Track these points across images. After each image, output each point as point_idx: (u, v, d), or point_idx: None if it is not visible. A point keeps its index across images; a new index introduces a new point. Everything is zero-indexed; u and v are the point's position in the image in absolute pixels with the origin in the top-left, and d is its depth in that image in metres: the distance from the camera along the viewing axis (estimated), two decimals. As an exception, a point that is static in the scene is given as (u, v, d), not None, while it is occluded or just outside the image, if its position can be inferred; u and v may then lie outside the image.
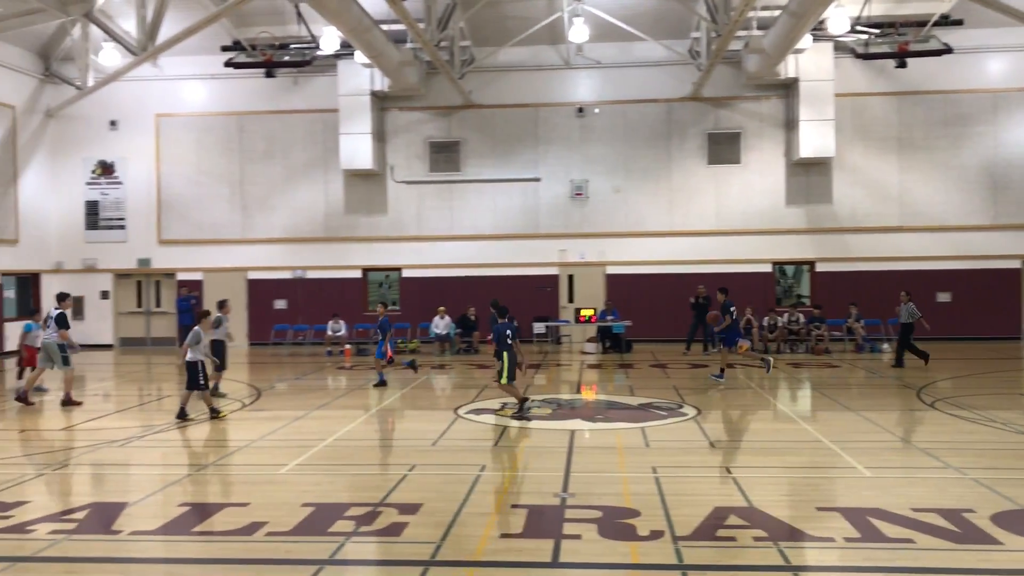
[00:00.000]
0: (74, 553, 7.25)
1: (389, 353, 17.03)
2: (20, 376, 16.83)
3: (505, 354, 13.39)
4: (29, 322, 16.98)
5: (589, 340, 23.80)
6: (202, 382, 13.28)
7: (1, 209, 24.70)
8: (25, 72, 25.64)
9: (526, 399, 13.70)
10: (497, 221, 26.08)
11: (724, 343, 17.10)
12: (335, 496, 9.08)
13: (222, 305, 16.19)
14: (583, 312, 23.56)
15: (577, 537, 7.41)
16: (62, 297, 15.55)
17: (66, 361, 15.01)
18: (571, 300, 26.00)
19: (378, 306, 17.96)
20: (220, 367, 15.45)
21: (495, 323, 13.92)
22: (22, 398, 15.03)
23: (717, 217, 25.60)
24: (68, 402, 14.90)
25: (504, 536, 7.47)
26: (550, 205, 26.00)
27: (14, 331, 23.25)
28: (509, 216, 26.07)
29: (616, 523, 7.81)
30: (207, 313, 14.10)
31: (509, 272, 25.94)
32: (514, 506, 8.38)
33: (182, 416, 13.29)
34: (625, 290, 25.40)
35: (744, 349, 16.94)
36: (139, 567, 6.99)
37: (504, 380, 13.42)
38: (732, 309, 17.02)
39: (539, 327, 24.21)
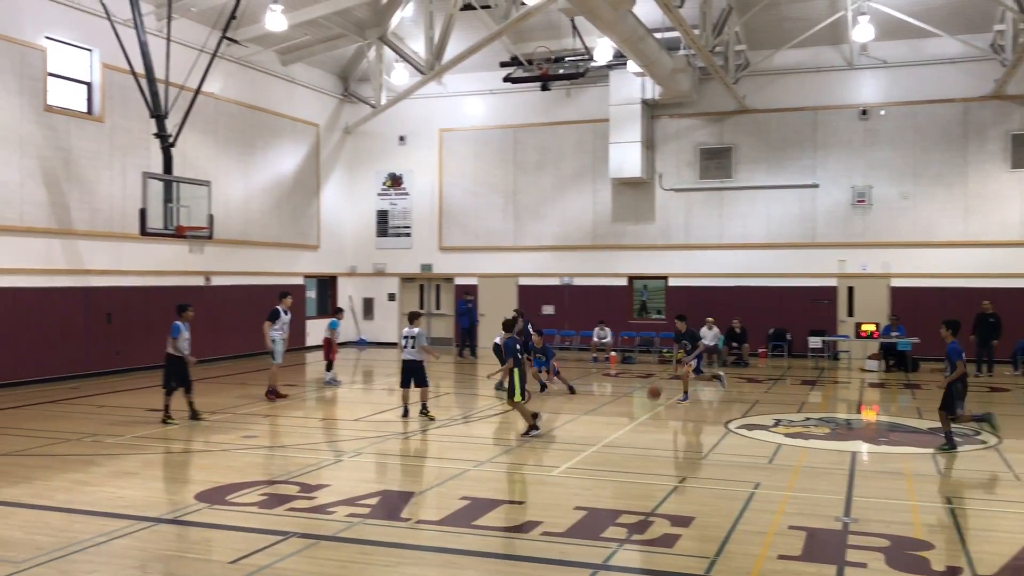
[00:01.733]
0: (368, 536, 7.82)
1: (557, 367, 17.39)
2: (329, 368, 18.50)
3: (516, 371, 12.58)
4: (333, 319, 18.70)
5: (870, 357, 22.30)
6: (425, 380, 14.21)
7: (306, 217, 27.33)
8: (327, 93, 28.23)
9: (536, 426, 12.59)
10: (770, 229, 25.20)
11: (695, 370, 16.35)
12: (606, 502, 9.15)
13: (518, 316, 17.47)
14: (864, 327, 22.12)
15: (862, 565, 6.96)
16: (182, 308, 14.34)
17: (273, 356, 16.32)
18: (851, 314, 24.55)
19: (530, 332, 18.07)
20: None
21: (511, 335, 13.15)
22: (273, 392, 16.37)
23: (1023, 226, 23.12)
24: (274, 394, 16.27)
25: (782, 557, 7.16)
26: (828, 213, 24.73)
27: (314, 328, 25.68)
28: (783, 224, 25.09)
29: (906, 554, 7.26)
30: (417, 315, 14.83)
31: (782, 283, 24.96)
32: (792, 527, 8.01)
33: (424, 411, 14.13)
34: (911, 304, 23.59)
35: (688, 370, 16.25)
36: (424, 554, 7.38)
37: (517, 398, 12.61)
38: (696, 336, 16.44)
39: (815, 342, 23.07)
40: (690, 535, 7.78)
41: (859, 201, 24.36)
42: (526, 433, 12.49)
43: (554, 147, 27.31)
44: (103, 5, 18.14)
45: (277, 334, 16.31)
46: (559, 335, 25.99)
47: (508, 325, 13.23)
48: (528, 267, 27.56)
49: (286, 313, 16.59)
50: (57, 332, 18.79)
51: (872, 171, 24.36)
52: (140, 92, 18.54)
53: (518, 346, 12.82)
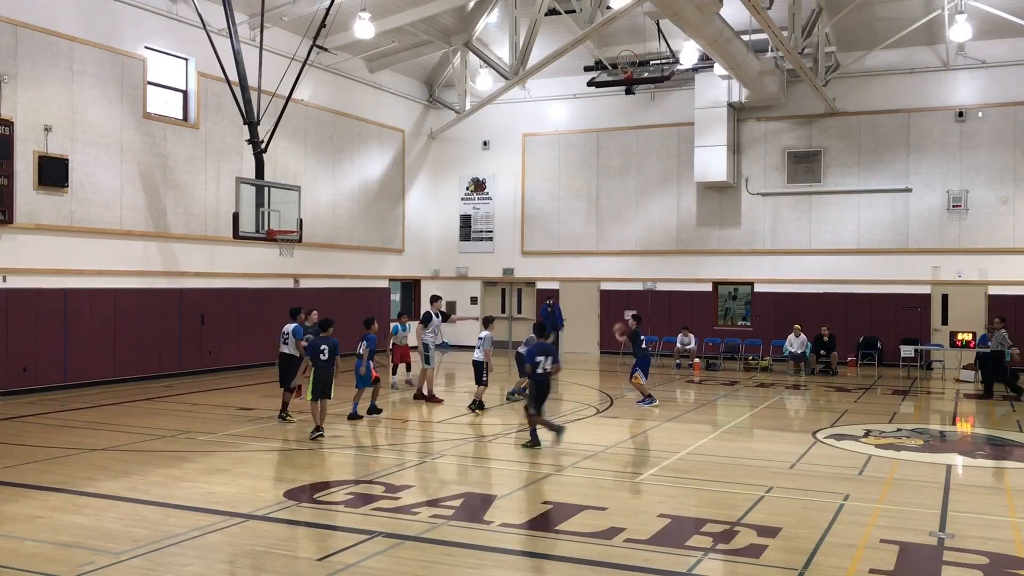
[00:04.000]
0: (451, 538, 7.88)
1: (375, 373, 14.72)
2: (393, 372, 18.69)
3: (315, 371, 12.45)
4: (395, 324, 18.76)
5: (966, 367, 21.50)
6: (484, 379, 15.33)
7: (391, 222, 27.74)
8: (413, 99, 28.60)
9: (320, 428, 12.48)
10: (861, 235, 24.54)
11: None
12: (690, 510, 9.04)
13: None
14: (960, 336, 21.33)
15: (960, 583, 6.72)
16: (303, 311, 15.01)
17: (427, 360, 16.41)
18: (945, 322, 23.74)
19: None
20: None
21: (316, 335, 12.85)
22: (421, 396, 16.58)
23: None
24: (424, 396, 16.44)
25: (873, 572, 6.96)
26: (922, 218, 23.96)
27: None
28: (875, 229, 24.41)
29: (1006, 573, 6.98)
30: (490, 319, 16.13)
31: (873, 289, 24.30)
32: (883, 541, 7.78)
33: (478, 406, 15.15)
34: (1011, 313, 22.64)
35: (637, 381, 16.37)
36: (506, 557, 7.40)
37: (309, 397, 12.53)
38: (642, 338, 16.68)
39: (907, 350, 22.34)
40: (777, 546, 7.62)
41: (955, 206, 23.54)
42: (313, 433, 12.45)
43: (638, 151, 27.14)
44: (199, 15, 18.77)
45: (430, 338, 16.48)
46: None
47: (324, 324, 12.88)
48: (610, 272, 27.43)
49: (438, 316, 16.83)
50: (153, 332, 19.45)
51: (969, 175, 23.52)
52: (234, 99, 19.09)
53: (324, 347, 12.50)
